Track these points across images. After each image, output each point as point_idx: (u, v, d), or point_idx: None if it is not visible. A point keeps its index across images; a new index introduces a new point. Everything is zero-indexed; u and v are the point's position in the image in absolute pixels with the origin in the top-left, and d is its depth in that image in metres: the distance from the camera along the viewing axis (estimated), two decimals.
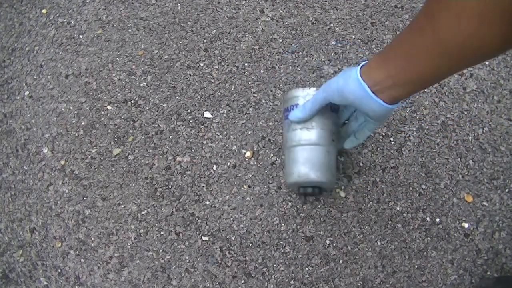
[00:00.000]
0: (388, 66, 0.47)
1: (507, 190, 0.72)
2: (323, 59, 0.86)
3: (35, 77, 0.89)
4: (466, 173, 0.74)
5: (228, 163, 0.76)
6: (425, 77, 0.46)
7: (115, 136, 0.81)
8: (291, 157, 0.64)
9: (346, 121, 0.67)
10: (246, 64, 0.86)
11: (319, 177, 0.62)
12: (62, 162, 0.79)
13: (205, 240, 0.71)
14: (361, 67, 0.51)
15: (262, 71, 0.85)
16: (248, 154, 0.77)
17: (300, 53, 0.87)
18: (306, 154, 0.62)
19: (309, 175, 0.62)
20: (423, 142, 0.77)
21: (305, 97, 0.63)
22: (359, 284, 0.67)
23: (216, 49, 0.88)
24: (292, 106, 0.64)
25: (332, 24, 0.90)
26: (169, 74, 0.86)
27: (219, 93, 0.83)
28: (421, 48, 0.42)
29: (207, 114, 0.81)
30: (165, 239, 0.71)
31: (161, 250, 0.71)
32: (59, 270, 0.71)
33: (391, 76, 0.47)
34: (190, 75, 0.86)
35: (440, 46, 0.40)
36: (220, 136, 0.79)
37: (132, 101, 0.84)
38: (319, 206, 0.72)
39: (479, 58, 0.41)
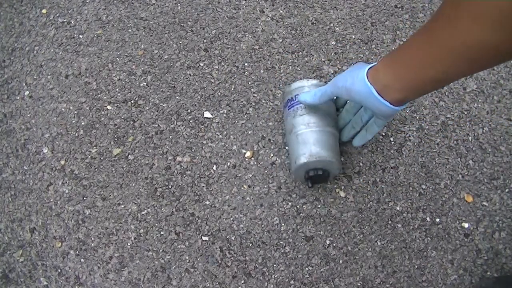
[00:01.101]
0: (397, 69, 0.47)
1: (507, 190, 0.72)
2: (323, 59, 0.86)
3: (35, 77, 0.89)
4: (466, 173, 0.74)
5: (228, 163, 0.76)
6: (436, 81, 0.46)
7: (115, 136, 0.81)
8: (300, 140, 0.66)
9: (341, 108, 0.70)
10: (246, 64, 0.86)
11: (330, 156, 0.64)
12: (62, 162, 0.79)
13: (205, 240, 0.71)
14: (369, 68, 0.51)
15: (262, 71, 0.85)
16: (248, 154, 0.77)
17: (300, 53, 0.87)
18: (316, 135, 0.65)
19: (320, 153, 0.64)
20: (423, 142, 0.77)
21: (310, 87, 0.69)
22: (359, 284, 0.67)
23: (216, 49, 0.88)
24: (297, 95, 0.68)
25: (332, 24, 0.90)
26: (169, 74, 0.86)
27: (219, 93, 0.83)
28: (435, 52, 0.42)
29: (207, 114, 0.81)
30: (165, 239, 0.71)
31: (161, 250, 0.71)
32: (59, 270, 0.71)
33: (400, 79, 0.47)
34: (190, 75, 0.86)
35: (457, 50, 0.39)
36: (220, 136, 0.79)
37: (132, 101, 0.84)
38: (319, 206, 0.72)
39: (496, 61, 0.40)
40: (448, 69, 0.43)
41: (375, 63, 0.52)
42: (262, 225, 0.71)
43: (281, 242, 0.70)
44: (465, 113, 0.79)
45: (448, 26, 0.39)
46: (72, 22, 0.95)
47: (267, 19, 0.91)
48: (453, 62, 0.41)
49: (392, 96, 0.49)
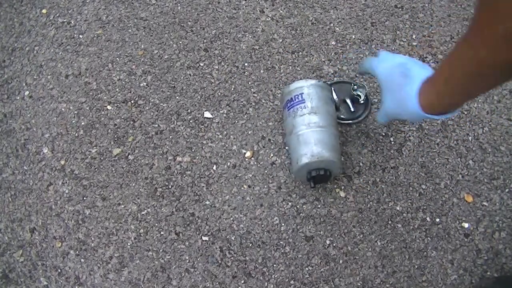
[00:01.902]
0: (445, 90, 0.48)
1: (507, 190, 0.72)
2: (323, 59, 0.86)
3: (35, 77, 0.89)
4: (466, 173, 0.74)
5: (228, 163, 0.76)
6: (477, 93, 0.49)
7: (115, 136, 0.81)
8: (301, 140, 0.66)
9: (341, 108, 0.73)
10: (246, 64, 0.86)
11: (332, 156, 0.64)
12: (62, 162, 0.79)
13: (205, 240, 0.71)
14: (419, 87, 0.51)
15: (262, 71, 0.85)
16: (248, 154, 0.77)
17: (300, 53, 0.87)
18: (317, 135, 0.65)
19: (322, 153, 0.64)
20: (423, 142, 0.77)
21: (309, 88, 0.68)
22: (359, 284, 0.67)
23: (216, 49, 0.88)
24: (297, 95, 0.68)
25: (332, 24, 0.90)
26: (169, 74, 0.86)
27: (219, 93, 0.83)
28: (472, 73, 0.43)
29: (207, 114, 0.81)
30: (165, 239, 0.71)
31: (161, 250, 0.71)
32: (59, 270, 0.71)
33: (448, 100, 0.49)
34: (190, 75, 0.86)
35: (498, 66, 0.40)
36: (220, 136, 0.79)
37: (132, 101, 0.84)
38: (319, 206, 0.72)
39: None
40: (487, 85, 0.45)
41: (424, 84, 0.51)
42: (262, 225, 0.71)
43: (281, 242, 0.70)
44: (465, 113, 0.79)
45: (478, 48, 0.40)
46: (72, 22, 0.95)
47: (267, 19, 0.91)
48: (492, 79, 0.43)
49: (437, 111, 0.50)
